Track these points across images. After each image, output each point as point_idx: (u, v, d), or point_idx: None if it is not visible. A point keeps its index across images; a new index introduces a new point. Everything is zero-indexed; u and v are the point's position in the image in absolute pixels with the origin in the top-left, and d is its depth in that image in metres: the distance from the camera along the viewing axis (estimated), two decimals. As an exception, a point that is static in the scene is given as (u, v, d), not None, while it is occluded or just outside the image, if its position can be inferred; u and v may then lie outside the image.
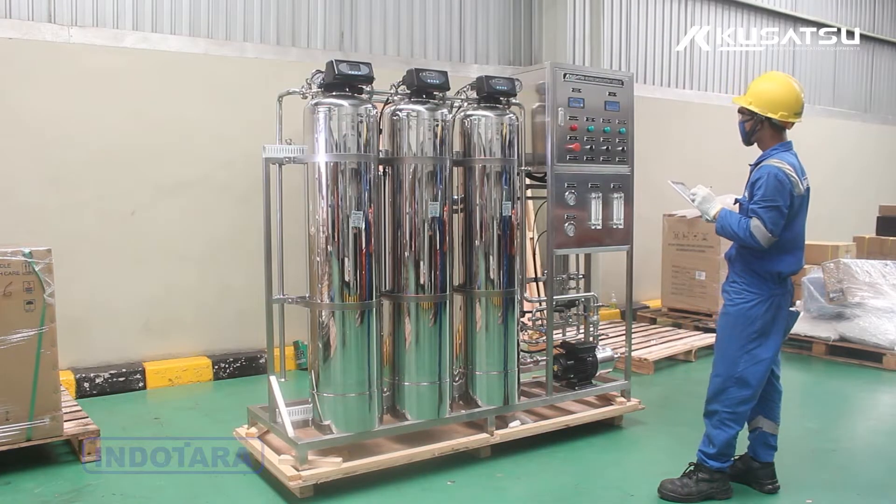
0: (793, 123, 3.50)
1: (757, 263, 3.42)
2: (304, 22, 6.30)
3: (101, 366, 5.38)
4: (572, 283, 4.83)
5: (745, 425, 3.70)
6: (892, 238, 8.71)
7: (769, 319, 3.44)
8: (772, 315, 3.44)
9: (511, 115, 4.16)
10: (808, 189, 3.46)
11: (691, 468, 3.60)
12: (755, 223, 3.32)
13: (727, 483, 3.59)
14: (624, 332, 5.61)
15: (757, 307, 3.42)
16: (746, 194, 3.49)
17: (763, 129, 3.51)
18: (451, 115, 4.05)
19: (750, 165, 3.57)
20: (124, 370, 5.36)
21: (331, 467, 3.53)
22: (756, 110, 3.46)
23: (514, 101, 4.26)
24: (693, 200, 3.57)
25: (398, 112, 3.90)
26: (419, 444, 3.85)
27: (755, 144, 3.58)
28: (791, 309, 3.56)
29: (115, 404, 5.04)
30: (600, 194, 4.42)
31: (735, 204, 3.63)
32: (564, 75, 4.30)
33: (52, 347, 3.81)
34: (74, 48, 5.27)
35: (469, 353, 4.20)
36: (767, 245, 3.32)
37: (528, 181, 4.46)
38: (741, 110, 3.54)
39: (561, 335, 4.83)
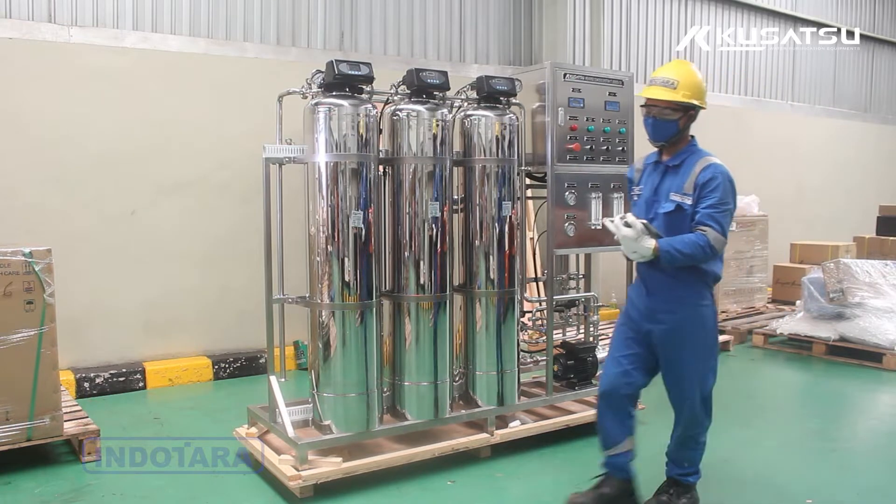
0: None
1: (706, 266, 3.10)
2: (304, 22, 6.30)
3: (101, 366, 5.38)
4: (572, 283, 4.84)
5: (618, 447, 3.33)
6: (892, 238, 8.72)
7: (716, 323, 3.25)
8: (716, 317, 3.25)
9: (511, 115, 4.16)
10: None
11: (671, 490, 3.39)
12: (712, 234, 2.95)
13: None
14: (624, 332, 5.59)
15: (713, 314, 3.19)
16: (684, 198, 3.06)
17: (688, 124, 3.18)
18: (451, 115, 4.05)
19: (666, 164, 3.17)
20: (124, 370, 5.36)
21: (331, 467, 3.53)
22: (697, 103, 3.12)
23: (514, 101, 4.26)
24: (624, 237, 2.97)
25: (398, 112, 3.90)
26: (419, 444, 3.85)
27: (663, 142, 3.17)
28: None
29: (115, 404, 5.04)
30: (600, 194, 4.42)
31: (671, 207, 3.09)
32: (564, 75, 4.30)
33: (52, 347, 3.81)
34: (74, 48, 5.27)
35: (469, 353, 4.20)
36: (722, 252, 3.06)
37: (528, 181, 4.46)
38: (668, 105, 3.09)
39: (561, 335, 4.83)
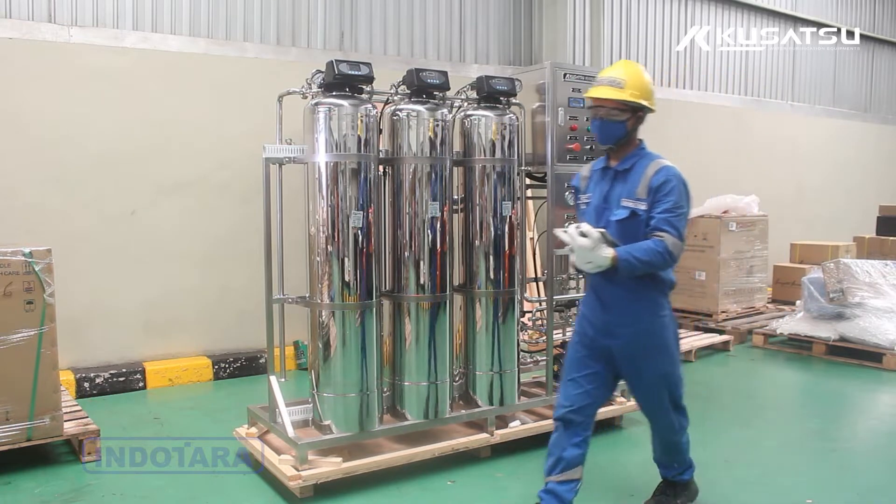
0: None
1: (662, 274, 2.99)
2: (304, 22, 6.30)
3: (101, 366, 5.38)
4: (572, 283, 4.83)
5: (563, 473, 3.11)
6: (892, 238, 8.72)
7: (677, 331, 3.14)
8: (676, 326, 3.14)
9: (511, 115, 4.16)
10: None
11: (667, 491, 3.35)
12: (670, 240, 2.82)
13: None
14: (624, 332, 5.59)
15: (673, 322, 3.08)
16: (637, 203, 2.92)
17: (637, 126, 3.05)
18: (451, 115, 4.05)
19: (615, 169, 3.03)
20: (124, 370, 5.36)
21: (331, 467, 3.53)
22: (646, 104, 3.01)
23: (514, 101, 4.26)
24: (581, 246, 2.78)
25: (398, 112, 3.90)
26: (419, 444, 3.85)
27: (611, 144, 3.04)
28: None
29: (115, 404, 5.04)
30: (600, 194, 4.41)
31: (624, 213, 2.94)
32: (564, 75, 4.30)
33: (52, 347, 3.81)
34: (74, 48, 5.27)
35: (469, 353, 4.20)
36: (679, 258, 2.90)
37: (528, 181, 4.46)
38: (616, 106, 2.97)
39: (561, 335, 4.83)
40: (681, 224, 2.87)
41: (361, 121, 3.68)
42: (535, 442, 4.18)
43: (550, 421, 4.25)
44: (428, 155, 3.87)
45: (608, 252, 2.78)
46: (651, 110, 3.05)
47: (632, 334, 2.98)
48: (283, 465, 3.53)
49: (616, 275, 2.85)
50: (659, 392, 3.08)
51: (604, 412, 4.51)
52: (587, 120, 4.37)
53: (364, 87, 3.81)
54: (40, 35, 5.16)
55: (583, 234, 2.78)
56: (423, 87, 3.91)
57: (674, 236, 2.83)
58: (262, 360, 5.85)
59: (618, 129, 2.99)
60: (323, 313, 3.71)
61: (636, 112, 3.00)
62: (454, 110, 4.22)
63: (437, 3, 7.09)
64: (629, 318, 2.97)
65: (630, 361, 3.04)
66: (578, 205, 3.21)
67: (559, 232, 2.88)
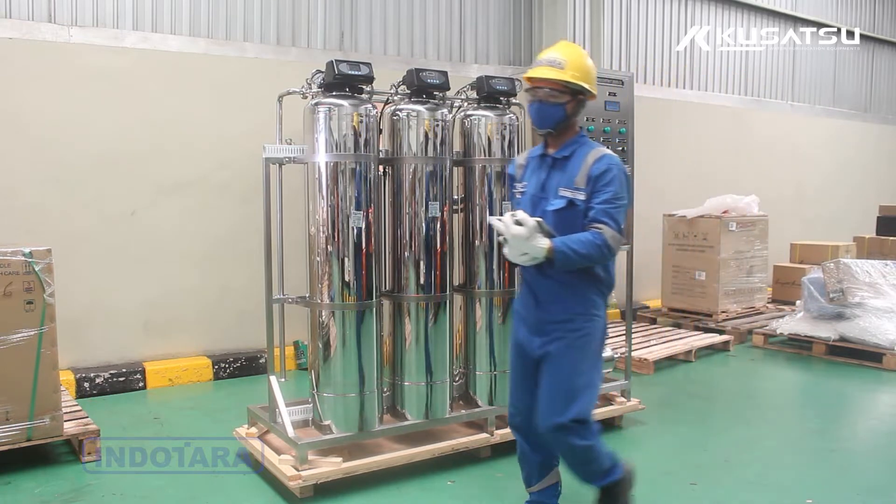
0: None
1: (599, 268, 2.85)
2: (304, 22, 6.30)
3: (101, 366, 5.38)
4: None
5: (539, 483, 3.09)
6: (892, 238, 8.72)
7: (604, 338, 2.97)
8: (605, 334, 2.97)
9: (511, 115, 4.16)
10: None
11: (608, 499, 3.06)
12: (609, 232, 2.69)
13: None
14: (624, 331, 5.60)
15: (602, 324, 2.91)
16: (575, 193, 2.77)
17: (579, 112, 2.89)
18: (451, 115, 4.05)
19: (553, 157, 2.88)
20: (124, 370, 5.36)
21: (331, 467, 3.53)
22: (586, 87, 2.82)
23: (514, 101, 4.26)
24: (515, 235, 2.65)
25: (398, 112, 3.90)
26: (419, 444, 3.85)
27: (549, 128, 2.86)
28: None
29: (115, 404, 5.04)
30: (600, 194, 4.41)
31: (562, 203, 2.80)
32: (564, 75, 4.29)
33: (52, 347, 3.81)
34: (74, 48, 5.27)
35: (469, 353, 4.20)
36: (617, 251, 2.78)
37: (528, 181, 4.46)
38: (555, 87, 2.81)
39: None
40: (620, 216, 2.74)
41: (361, 121, 3.68)
42: (535, 442, 4.18)
43: (550, 421, 4.27)
44: (428, 155, 3.87)
45: (544, 243, 2.65)
46: (592, 95, 2.88)
47: (561, 330, 2.82)
48: (283, 465, 3.53)
49: (551, 268, 2.73)
50: (567, 396, 2.81)
51: (604, 412, 4.52)
52: (587, 120, 4.38)
53: (364, 87, 3.81)
54: (40, 35, 5.16)
55: (518, 223, 2.63)
56: (423, 87, 3.91)
57: (613, 228, 2.70)
58: (262, 360, 5.85)
59: (556, 112, 2.81)
60: (323, 313, 3.71)
61: (576, 95, 2.83)
62: (454, 110, 4.22)
63: (437, 3, 7.09)
64: (561, 315, 2.82)
65: (552, 360, 2.84)
66: (513, 193, 3.06)
67: (493, 220, 2.75)
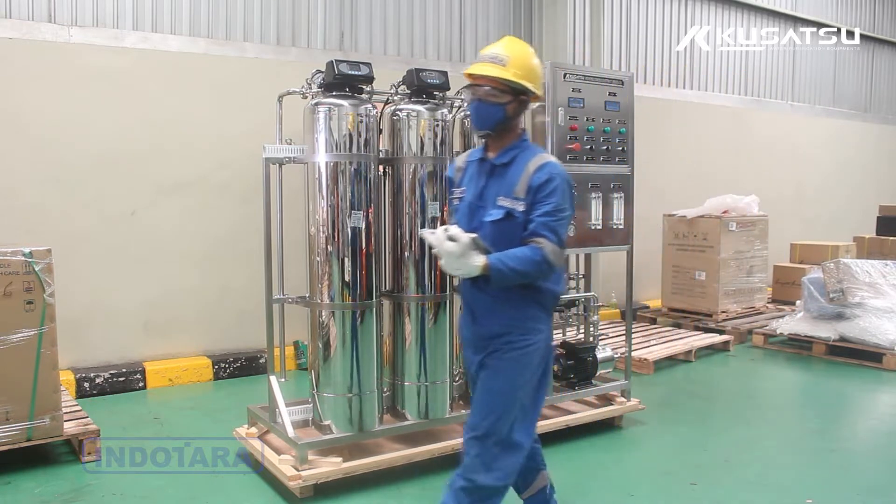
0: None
1: (543, 283, 2.62)
2: (304, 22, 6.30)
3: (101, 366, 5.38)
4: (572, 283, 4.83)
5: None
6: (892, 238, 8.72)
7: (549, 359, 2.74)
8: (550, 352, 2.74)
9: (511, 115, 4.15)
10: None
11: None
12: (549, 247, 2.49)
13: None
14: (624, 332, 5.61)
15: (544, 341, 2.66)
16: (515, 203, 2.55)
17: (521, 114, 2.68)
18: (451, 115, 4.04)
19: (493, 162, 2.66)
20: (124, 370, 5.36)
21: (331, 467, 3.53)
22: (530, 87, 2.62)
23: (514, 101, 4.25)
24: (448, 252, 2.45)
25: (398, 112, 3.90)
26: (419, 444, 3.85)
27: (488, 130, 2.65)
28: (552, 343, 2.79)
29: (115, 404, 5.04)
30: (600, 194, 4.42)
31: (500, 214, 2.57)
32: (564, 75, 4.30)
33: (52, 347, 3.81)
34: (74, 48, 5.27)
35: (469, 353, 4.20)
36: (560, 266, 2.60)
37: (528, 181, 4.45)
38: (496, 85, 2.59)
39: (561, 335, 4.83)
40: (562, 229, 2.54)
41: (361, 121, 3.68)
42: (535, 442, 4.18)
43: (551, 421, 4.28)
44: (428, 155, 3.87)
45: (478, 260, 2.45)
46: (537, 97, 2.69)
47: (496, 345, 2.61)
48: (283, 465, 3.53)
49: (488, 284, 2.55)
50: (492, 411, 2.58)
51: (604, 412, 4.52)
52: (587, 120, 4.38)
53: (364, 87, 3.81)
54: (40, 35, 5.16)
55: (451, 238, 2.44)
56: (423, 87, 3.91)
57: (553, 243, 2.50)
58: (262, 360, 5.85)
59: (496, 112, 2.59)
60: (323, 313, 3.71)
61: (518, 96, 2.61)
62: (454, 110, 4.22)
63: (437, 3, 7.09)
64: (497, 329, 2.60)
65: (484, 375, 2.64)
66: (451, 199, 2.85)
67: (425, 233, 2.55)
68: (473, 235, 2.48)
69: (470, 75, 2.66)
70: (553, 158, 2.63)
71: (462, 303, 2.77)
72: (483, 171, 2.69)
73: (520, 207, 2.55)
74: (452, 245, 2.44)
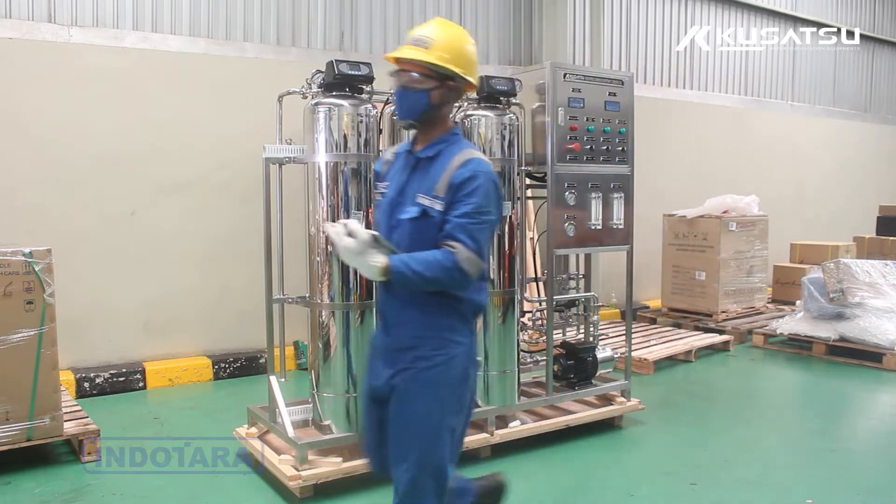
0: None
1: (461, 292, 2.33)
2: (304, 22, 6.30)
3: (101, 366, 5.38)
4: (572, 283, 4.84)
5: None
6: (892, 238, 8.72)
7: (472, 375, 2.42)
8: (472, 367, 2.42)
9: (511, 115, 4.16)
10: None
11: None
12: (463, 253, 2.21)
13: None
14: (624, 332, 5.61)
15: (465, 355, 2.37)
16: (433, 202, 2.29)
17: (450, 103, 2.43)
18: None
19: (417, 156, 2.41)
20: (124, 370, 5.36)
21: (331, 467, 3.53)
22: (458, 72, 2.35)
23: (514, 100, 4.26)
24: (345, 249, 2.20)
25: (398, 112, 3.89)
26: (419, 444, 3.85)
27: (411, 120, 2.41)
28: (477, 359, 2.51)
29: (115, 404, 5.04)
30: (600, 194, 4.42)
31: (415, 212, 2.33)
32: (564, 75, 4.30)
33: (52, 347, 3.81)
34: (74, 48, 5.27)
35: (469, 353, 4.19)
36: (477, 275, 2.30)
37: (528, 181, 4.46)
38: (419, 69, 2.34)
39: (561, 335, 4.83)
40: (481, 234, 2.26)
41: (361, 121, 3.68)
42: (535, 442, 4.19)
43: (551, 421, 4.29)
44: (428, 155, 3.86)
45: (378, 260, 2.19)
46: (471, 85, 2.43)
47: (407, 360, 2.33)
48: (283, 465, 3.53)
49: (399, 288, 2.31)
50: (412, 443, 2.31)
51: (604, 412, 4.52)
52: (587, 120, 4.38)
53: (364, 87, 3.81)
54: (40, 35, 5.16)
55: (350, 234, 2.21)
56: (423, 87, 3.90)
57: (469, 249, 2.22)
58: (262, 360, 5.85)
59: (419, 100, 2.34)
60: (323, 313, 3.71)
61: (445, 81, 2.35)
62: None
63: (437, 3, 7.09)
64: (408, 341, 2.34)
65: (396, 396, 2.34)
66: (376, 194, 2.62)
67: (328, 227, 2.33)
68: (374, 233, 2.25)
69: (393, 60, 2.41)
70: (481, 155, 2.37)
71: (377, 309, 2.51)
72: (408, 166, 2.44)
73: (438, 206, 2.29)
74: (350, 241, 2.20)
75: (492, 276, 4.11)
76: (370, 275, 2.25)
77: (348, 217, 3.62)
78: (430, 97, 2.35)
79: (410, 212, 2.33)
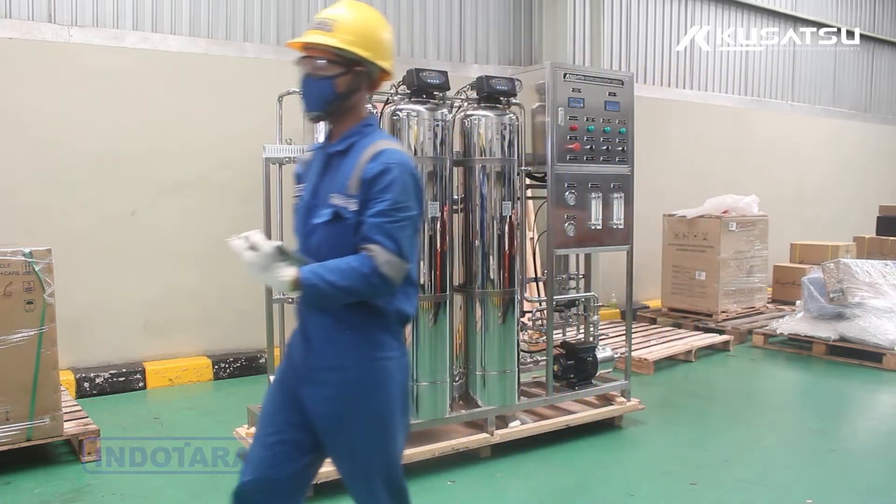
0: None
1: (384, 302, 2.10)
2: (305, 22, 6.29)
3: (101, 366, 5.38)
4: (572, 283, 4.84)
5: None
6: (892, 238, 8.73)
7: (405, 384, 2.19)
8: (405, 375, 2.20)
9: (511, 115, 4.16)
10: None
11: None
12: (382, 256, 1.98)
13: None
14: (624, 332, 5.60)
15: (397, 369, 2.14)
16: (347, 202, 2.05)
17: (360, 92, 2.18)
18: (451, 115, 4.04)
19: (329, 151, 2.18)
20: (124, 370, 5.36)
21: (331, 467, 3.51)
22: (365, 56, 2.12)
23: (514, 101, 4.26)
24: (248, 264, 2.02)
25: (398, 112, 3.89)
26: (419, 444, 3.85)
27: (317, 111, 2.18)
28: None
29: (115, 404, 5.04)
30: (600, 194, 4.42)
31: (328, 215, 2.09)
32: (564, 75, 4.30)
33: (52, 347, 3.81)
34: (74, 48, 5.27)
35: (469, 353, 4.20)
36: (401, 280, 2.06)
37: (528, 181, 4.46)
38: (322, 54, 2.12)
39: (561, 335, 4.83)
40: (401, 233, 2.02)
41: (361, 121, 3.67)
42: (535, 442, 4.19)
43: (551, 421, 4.28)
44: (428, 155, 3.87)
45: (287, 274, 1.98)
46: (385, 73, 2.21)
47: (338, 383, 2.08)
48: (283, 465, 3.52)
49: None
50: (372, 470, 2.14)
51: (604, 412, 4.51)
52: (587, 120, 4.38)
53: (364, 87, 3.80)
54: (40, 35, 5.16)
55: (252, 248, 2.01)
56: (423, 87, 3.90)
57: (389, 251, 1.99)
58: (262, 360, 5.84)
59: (323, 88, 2.11)
60: (323, 313, 3.70)
61: (352, 67, 2.12)
62: (454, 110, 4.22)
63: (437, 3, 7.09)
64: (337, 360, 2.09)
65: (332, 423, 2.11)
66: (294, 199, 2.37)
67: (232, 241, 2.09)
68: (279, 243, 2.04)
69: (297, 47, 2.20)
70: (395, 145, 2.12)
71: (297, 320, 2.23)
72: (321, 164, 2.19)
73: (352, 206, 2.04)
74: (252, 255, 2.00)
75: (493, 276, 4.11)
76: (280, 290, 2.00)
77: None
78: (335, 85, 2.11)
79: (323, 215, 2.09)
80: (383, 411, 2.11)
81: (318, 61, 2.11)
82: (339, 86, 2.12)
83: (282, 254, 2.03)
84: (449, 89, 4.00)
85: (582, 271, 4.88)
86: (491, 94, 4.14)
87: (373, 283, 1.99)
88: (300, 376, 2.16)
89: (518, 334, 4.27)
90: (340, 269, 1.98)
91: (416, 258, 2.16)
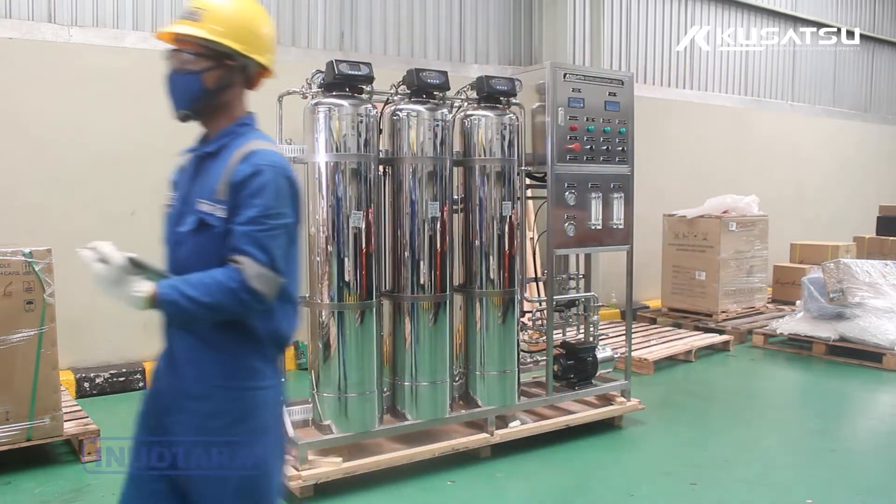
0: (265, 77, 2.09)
1: (256, 318, 1.88)
2: (304, 22, 6.30)
3: (101, 366, 5.38)
4: (572, 283, 4.84)
5: None
6: (892, 238, 8.73)
7: (279, 415, 1.97)
8: (279, 406, 1.98)
9: (511, 115, 4.16)
10: None
11: None
12: (252, 269, 1.78)
13: None
14: (624, 332, 5.60)
15: (275, 400, 1.95)
16: (215, 208, 1.85)
17: (234, 88, 1.99)
18: (451, 115, 4.05)
19: (199, 154, 1.99)
20: (124, 370, 5.36)
21: (331, 467, 3.53)
22: (235, 47, 1.93)
23: (514, 101, 4.26)
24: (98, 278, 1.78)
25: (398, 112, 3.90)
26: (419, 444, 3.85)
27: (185, 110, 1.97)
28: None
29: (115, 404, 5.03)
30: (600, 194, 4.42)
31: (194, 223, 1.90)
32: (564, 75, 4.30)
33: (52, 347, 3.81)
34: (74, 48, 5.27)
35: (469, 353, 4.20)
36: (274, 295, 1.84)
37: (528, 181, 4.46)
38: (188, 46, 1.92)
39: (561, 335, 4.83)
40: (274, 242, 1.81)
41: (361, 121, 3.68)
42: (535, 442, 4.19)
43: (551, 421, 4.28)
44: (428, 155, 3.87)
45: (142, 289, 1.81)
46: (265, 69, 2.07)
47: (197, 416, 1.86)
48: (283, 465, 3.52)
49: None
50: None
51: (604, 412, 4.51)
52: (587, 120, 4.38)
53: (364, 87, 3.81)
54: (40, 35, 5.16)
55: (102, 260, 1.78)
56: (423, 87, 3.90)
57: (260, 263, 1.78)
58: (262, 360, 5.83)
59: (189, 84, 1.91)
60: (323, 313, 3.71)
61: (222, 61, 1.92)
62: (454, 110, 4.22)
63: (437, 3, 7.09)
64: (197, 387, 1.87)
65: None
66: (165, 207, 2.15)
67: (81, 251, 1.82)
68: (132, 255, 1.84)
69: (166, 38, 1.99)
70: (269, 146, 1.93)
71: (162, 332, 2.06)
72: (193, 167, 2.00)
73: (219, 212, 1.84)
74: (102, 268, 1.77)
75: (493, 276, 4.10)
76: (135, 307, 1.83)
77: (350, 217, 3.62)
78: (202, 80, 1.91)
79: (187, 223, 1.90)
80: (249, 451, 1.85)
81: (186, 55, 1.91)
82: (207, 81, 1.91)
83: (136, 266, 1.85)
84: (449, 89, 4.01)
85: (582, 271, 4.88)
86: (491, 94, 4.14)
87: (241, 300, 1.78)
88: (166, 401, 1.95)
89: (518, 334, 4.27)
90: (204, 283, 1.79)
91: (296, 272, 1.95)
